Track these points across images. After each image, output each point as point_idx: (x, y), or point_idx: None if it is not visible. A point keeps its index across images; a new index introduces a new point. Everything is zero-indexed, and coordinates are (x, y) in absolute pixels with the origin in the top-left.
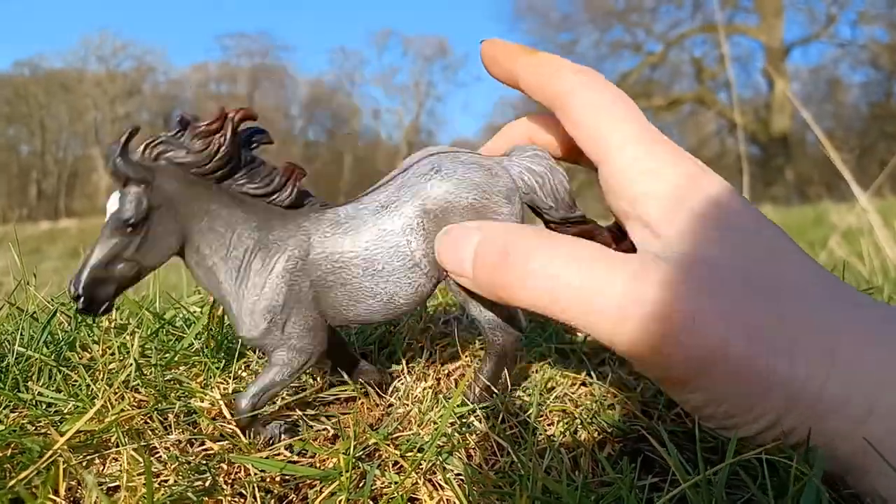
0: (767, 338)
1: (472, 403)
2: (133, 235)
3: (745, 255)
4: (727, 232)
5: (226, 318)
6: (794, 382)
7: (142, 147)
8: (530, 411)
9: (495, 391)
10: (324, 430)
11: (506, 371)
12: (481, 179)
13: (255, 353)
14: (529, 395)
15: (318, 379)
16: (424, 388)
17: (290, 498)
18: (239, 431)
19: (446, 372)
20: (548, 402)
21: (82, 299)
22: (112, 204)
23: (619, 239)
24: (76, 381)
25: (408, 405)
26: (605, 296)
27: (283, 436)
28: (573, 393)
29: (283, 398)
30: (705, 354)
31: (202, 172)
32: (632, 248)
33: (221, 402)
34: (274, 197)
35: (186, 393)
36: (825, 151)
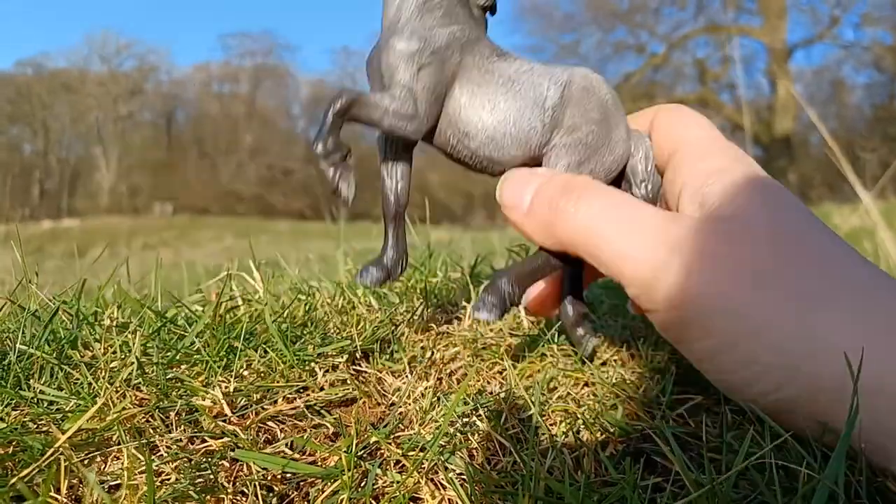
0: (776, 293)
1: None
2: None
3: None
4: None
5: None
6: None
7: None
8: (533, 411)
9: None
10: (324, 427)
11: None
12: (618, 100)
13: (256, 352)
14: (531, 394)
15: (320, 378)
16: (426, 388)
17: (292, 496)
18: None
19: (448, 371)
20: (550, 402)
21: None
22: None
23: None
24: (78, 379)
25: (409, 404)
26: (636, 259)
27: (343, 171)
28: (576, 393)
29: (285, 398)
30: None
31: None
32: None
33: (223, 401)
34: None
35: (188, 391)
36: (830, 152)
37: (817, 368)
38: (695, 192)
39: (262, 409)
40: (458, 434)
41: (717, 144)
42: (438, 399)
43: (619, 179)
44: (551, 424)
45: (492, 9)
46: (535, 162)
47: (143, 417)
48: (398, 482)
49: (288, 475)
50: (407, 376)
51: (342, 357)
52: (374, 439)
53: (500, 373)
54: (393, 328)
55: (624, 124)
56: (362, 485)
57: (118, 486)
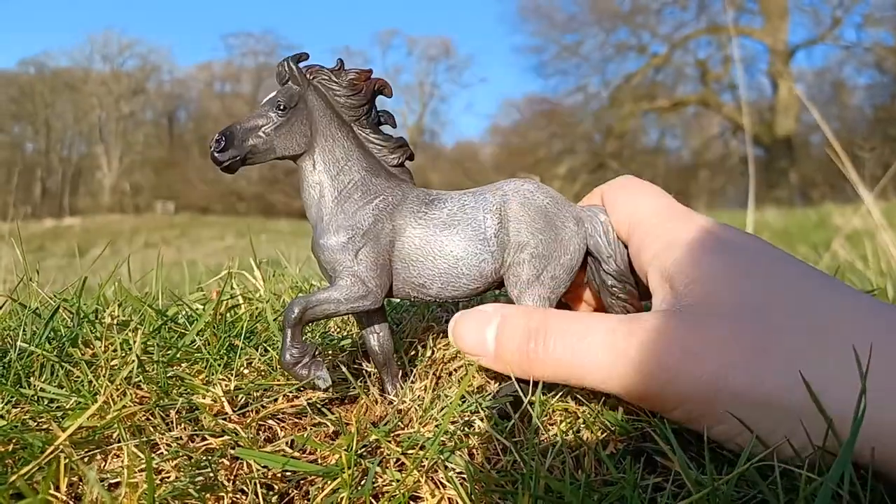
0: (763, 363)
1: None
2: (278, 117)
3: (748, 290)
4: (728, 270)
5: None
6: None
7: (306, 67)
8: (533, 410)
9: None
10: (325, 426)
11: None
12: (558, 196)
13: (257, 350)
14: (532, 393)
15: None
16: (426, 387)
17: (292, 495)
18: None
19: (448, 370)
20: (550, 401)
21: (221, 141)
22: (269, 96)
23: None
24: (78, 377)
25: (409, 403)
26: (592, 366)
27: (312, 364)
28: (576, 392)
29: (285, 397)
30: (704, 387)
31: (341, 104)
32: None
33: (223, 399)
34: (385, 154)
35: (188, 389)
36: (832, 152)
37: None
38: (662, 271)
39: (263, 407)
40: (458, 433)
41: (671, 212)
42: (439, 397)
43: (585, 259)
44: (551, 424)
45: (409, 158)
46: (496, 286)
47: (144, 415)
48: (398, 480)
49: (288, 473)
50: (407, 375)
51: (343, 355)
52: (373, 437)
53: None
54: (394, 327)
55: (571, 217)
56: (362, 483)
57: (118, 484)
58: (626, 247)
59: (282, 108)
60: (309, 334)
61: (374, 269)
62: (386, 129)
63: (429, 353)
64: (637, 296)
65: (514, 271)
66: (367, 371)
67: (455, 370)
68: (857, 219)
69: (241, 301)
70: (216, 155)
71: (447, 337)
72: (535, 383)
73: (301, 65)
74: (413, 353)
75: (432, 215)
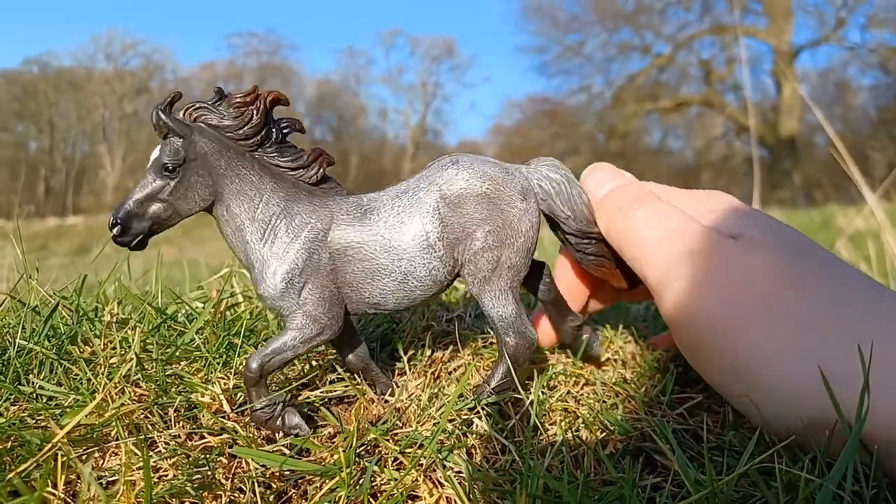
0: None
1: (479, 404)
2: (169, 179)
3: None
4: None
5: (250, 278)
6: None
7: (183, 109)
8: (532, 409)
9: (501, 398)
10: (324, 425)
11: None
12: (496, 173)
13: (255, 348)
14: (532, 393)
15: (320, 375)
16: (425, 385)
17: (290, 494)
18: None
19: (448, 370)
20: (550, 400)
21: (118, 227)
22: (155, 153)
23: (631, 279)
24: (77, 374)
25: (407, 402)
26: (651, 266)
27: (284, 415)
28: (576, 392)
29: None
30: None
31: (234, 137)
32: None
33: (222, 397)
34: (300, 173)
35: (187, 388)
36: (836, 153)
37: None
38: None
39: None
40: (457, 432)
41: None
42: (438, 395)
43: (552, 222)
44: (551, 423)
45: (329, 164)
46: (457, 277)
47: (142, 413)
48: (396, 479)
49: (287, 472)
50: (407, 374)
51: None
52: (371, 436)
53: None
54: (394, 326)
55: (516, 194)
56: (360, 482)
57: (115, 482)
58: (585, 198)
59: (169, 169)
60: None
61: (323, 304)
62: (294, 138)
63: (428, 352)
64: (604, 243)
65: (469, 269)
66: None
67: (454, 370)
68: (861, 220)
69: (241, 300)
70: (119, 240)
71: (448, 336)
72: (517, 371)
73: (177, 108)
74: (412, 352)
75: (369, 232)
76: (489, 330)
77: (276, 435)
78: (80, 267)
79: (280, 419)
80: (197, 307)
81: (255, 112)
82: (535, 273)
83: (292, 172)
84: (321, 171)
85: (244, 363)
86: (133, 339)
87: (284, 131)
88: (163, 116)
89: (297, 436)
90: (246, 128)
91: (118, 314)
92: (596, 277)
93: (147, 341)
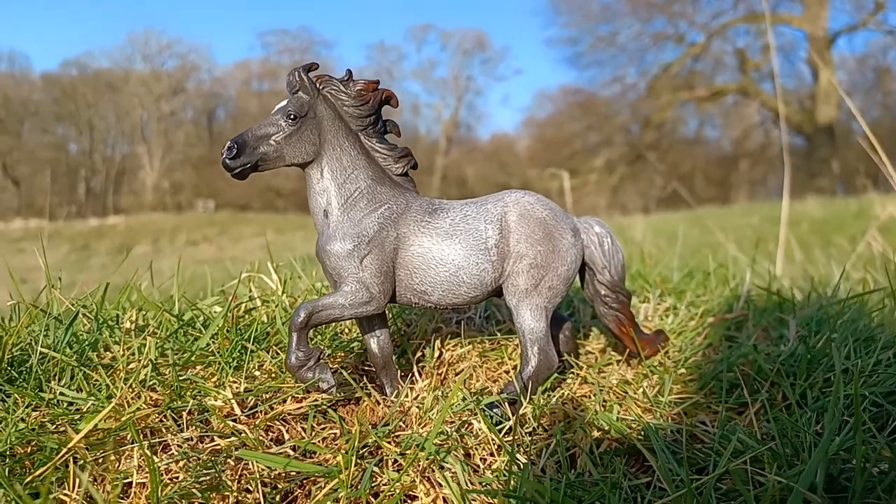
0: None
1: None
2: (287, 126)
3: None
4: None
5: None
6: None
7: (316, 76)
8: (531, 411)
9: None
10: (329, 427)
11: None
12: (556, 207)
13: (268, 353)
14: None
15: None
16: (431, 387)
17: (296, 493)
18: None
19: (455, 371)
20: (550, 401)
21: (233, 150)
22: (281, 104)
23: (653, 342)
24: (97, 380)
25: (411, 403)
26: None
27: (317, 367)
28: (575, 393)
29: (293, 398)
30: None
31: (349, 113)
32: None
33: (233, 401)
34: (390, 163)
35: (200, 392)
36: (866, 144)
37: None
38: None
39: (271, 408)
40: (455, 433)
41: None
42: (443, 396)
43: (582, 270)
44: (550, 424)
45: (413, 167)
46: (495, 294)
47: (157, 417)
48: (395, 480)
49: (292, 473)
50: (415, 375)
51: (351, 357)
52: (373, 439)
53: (507, 372)
54: (404, 329)
55: (569, 229)
56: (360, 483)
57: (130, 485)
58: (622, 257)
59: (292, 117)
60: (319, 337)
61: (378, 276)
62: (391, 138)
63: (437, 353)
64: (629, 305)
65: (513, 281)
66: (372, 373)
67: (462, 371)
68: (894, 207)
69: (259, 304)
70: (228, 161)
71: (456, 338)
72: (535, 388)
73: (311, 75)
74: (421, 354)
75: (435, 224)
76: (497, 332)
77: (302, 391)
78: (121, 266)
79: (312, 370)
80: (215, 311)
81: (371, 99)
82: (560, 323)
83: (384, 160)
84: (407, 167)
85: (294, 312)
86: (149, 345)
87: (387, 127)
88: (302, 74)
89: (323, 390)
90: (361, 108)
91: (137, 321)
92: None
93: (164, 347)
